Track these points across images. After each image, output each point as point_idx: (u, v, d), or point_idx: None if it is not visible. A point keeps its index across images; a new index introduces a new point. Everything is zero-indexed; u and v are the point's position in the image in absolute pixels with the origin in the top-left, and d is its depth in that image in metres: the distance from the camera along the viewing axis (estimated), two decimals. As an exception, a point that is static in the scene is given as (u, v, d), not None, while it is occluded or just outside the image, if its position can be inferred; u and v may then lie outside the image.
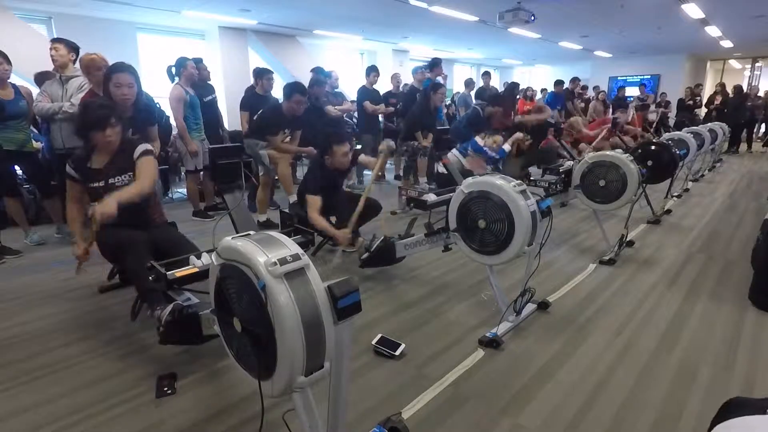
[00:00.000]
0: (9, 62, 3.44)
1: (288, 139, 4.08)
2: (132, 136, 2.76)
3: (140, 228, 2.28)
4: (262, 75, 4.87)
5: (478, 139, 4.66)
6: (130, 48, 7.73)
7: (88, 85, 3.48)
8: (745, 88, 10.29)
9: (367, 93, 5.95)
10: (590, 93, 10.46)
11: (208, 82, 5.10)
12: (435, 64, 6.03)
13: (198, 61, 4.78)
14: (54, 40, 3.55)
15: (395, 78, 6.26)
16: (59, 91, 3.51)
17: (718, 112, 9.52)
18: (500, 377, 1.92)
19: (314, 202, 3.04)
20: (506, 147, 4.71)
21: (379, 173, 3.09)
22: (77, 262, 2.33)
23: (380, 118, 6.25)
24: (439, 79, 6.03)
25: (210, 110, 4.91)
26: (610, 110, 8.77)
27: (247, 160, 4.76)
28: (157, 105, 4.24)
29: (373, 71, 6.02)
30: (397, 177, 6.61)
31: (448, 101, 8.89)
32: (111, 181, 2.27)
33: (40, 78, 4.11)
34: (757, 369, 1.97)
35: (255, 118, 4.41)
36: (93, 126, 2.21)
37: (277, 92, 5.10)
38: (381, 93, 6.14)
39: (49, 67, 3.96)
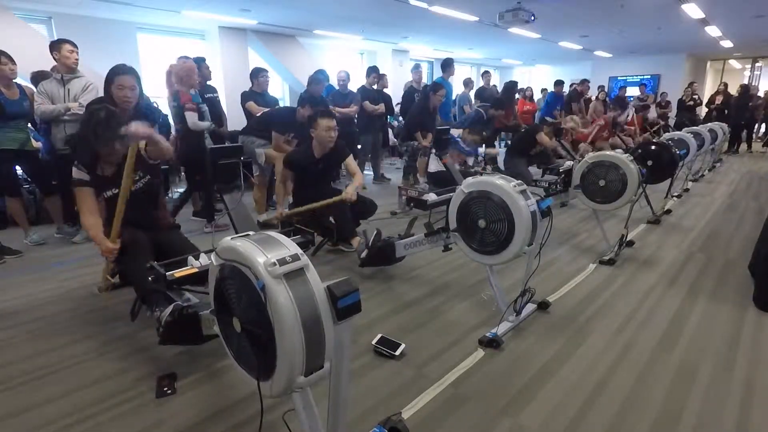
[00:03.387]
0: (14, 62, 3.45)
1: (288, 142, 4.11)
2: None
3: (146, 229, 2.27)
4: (257, 74, 4.95)
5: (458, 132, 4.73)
6: (130, 48, 7.72)
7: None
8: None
9: (366, 93, 5.96)
10: (591, 93, 10.45)
11: (208, 81, 5.11)
12: (447, 65, 6.04)
13: (200, 61, 4.80)
14: (71, 43, 3.55)
15: (383, 79, 6.24)
16: (59, 91, 3.51)
17: (718, 112, 9.50)
18: (500, 377, 1.92)
19: (284, 172, 3.33)
20: (480, 150, 4.77)
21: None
22: (102, 278, 2.28)
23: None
24: (451, 79, 6.04)
25: (211, 108, 4.93)
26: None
27: (247, 160, 4.76)
28: (155, 104, 4.25)
29: (373, 72, 6.03)
30: (379, 177, 6.57)
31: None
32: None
33: (38, 78, 4.11)
34: (757, 369, 1.97)
35: (260, 114, 4.42)
36: (100, 140, 2.09)
37: (274, 92, 5.14)
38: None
39: (48, 67, 3.97)
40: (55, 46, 3.51)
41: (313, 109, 3.85)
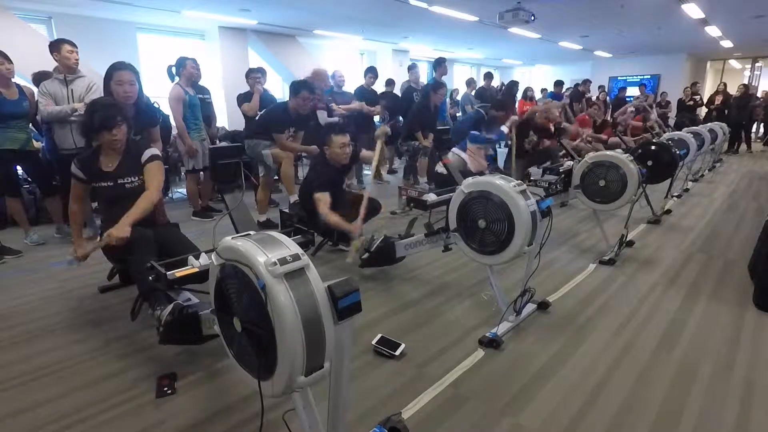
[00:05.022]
0: (10, 61, 3.44)
1: (291, 138, 4.09)
2: (135, 137, 2.76)
3: (145, 227, 2.27)
4: (248, 75, 5.01)
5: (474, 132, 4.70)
6: (130, 48, 7.73)
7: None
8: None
9: (363, 93, 5.95)
10: (593, 93, 10.46)
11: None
12: (438, 64, 6.05)
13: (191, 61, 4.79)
14: (70, 43, 3.52)
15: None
16: (62, 91, 3.49)
17: (718, 112, 9.49)
18: (500, 377, 1.92)
19: (324, 198, 3.01)
20: (504, 128, 4.73)
21: (380, 163, 3.17)
22: (76, 258, 2.31)
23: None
24: (444, 78, 6.05)
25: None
26: (610, 110, 8.78)
27: (246, 160, 4.78)
28: (155, 105, 4.24)
29: (370, 72, 6.01)
30: (391, 172, 6.67)
31: (448, 101, 8.89)
32: (120, 181, 2.29)
33: (39, 78, 4.11)
34: (757, 369, 1.97)
35: (257, 118, 4.41)
36: (100, 125, 2.21)
37: (274, 92, 5.15)
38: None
39: (48, 67, 3.95)
40: (54, 46, 3.49)
41: (309, 94, 3.86)
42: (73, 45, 3.54)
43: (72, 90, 3.51)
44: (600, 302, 2.63)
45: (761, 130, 11.66)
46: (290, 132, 4.04)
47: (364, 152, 3.54)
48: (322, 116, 5.12)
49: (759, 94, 10.61)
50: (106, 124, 2.21)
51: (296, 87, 3.92)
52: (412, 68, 6.34)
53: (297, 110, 3.93)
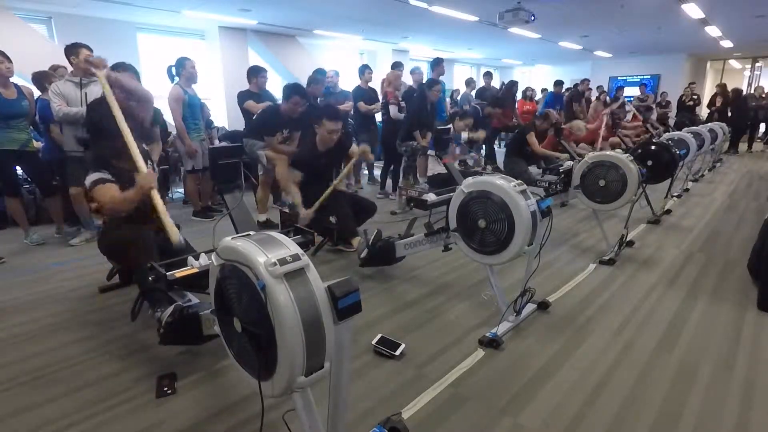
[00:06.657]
0: (10, 60, 3.42)
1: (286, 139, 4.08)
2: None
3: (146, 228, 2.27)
4: (256, 74, 4.88)
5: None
6: (130, 48, 7.72)
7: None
8: (744, 89, 10.21)
9: (361, 92, 5.92)
10: (593, 93, 10.45)
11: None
12: (436, 64, 6.05)
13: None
14: (87, 48, 3.48)
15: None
16: (76, 93, 3.47)
17: (720, 114, 9.47)
18: (500, 377, 1.92)
19: (296, 175, 3.30)
20: (464, 135, 4.82)
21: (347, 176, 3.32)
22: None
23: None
24: (442, 78, 6.04)
25: None
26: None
27: (246, 160, 4.78)
28: (154, 105, 4.25)
29: (366, 69, 5.97)
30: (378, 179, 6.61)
31: (448, 100, 8.88)
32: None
33: (39, 78, 4.10)
34: (757, 369, 1.97)
35: (253, 118, 4.41)
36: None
37: (274, 92, 5.13)
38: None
39: (47, 67, 3.94)
40: (72, 50, 3.44)
41: (301, 99, 3.84)
42: (90, 50, 3.50)
43: (86, 93, 3.47)
44: (600, 302, 2.63)
45: (761, 129, 11.64)
46: (284, 134, 4.02)
47: (354, 148, 3.51)
48: (393, 110, 5.52)
49: (761, 95, 10.54)
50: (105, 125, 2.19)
51: (288, 92, 3.86)
52: (415, 70, 6.33)
53: (289, 114, 3.91)
